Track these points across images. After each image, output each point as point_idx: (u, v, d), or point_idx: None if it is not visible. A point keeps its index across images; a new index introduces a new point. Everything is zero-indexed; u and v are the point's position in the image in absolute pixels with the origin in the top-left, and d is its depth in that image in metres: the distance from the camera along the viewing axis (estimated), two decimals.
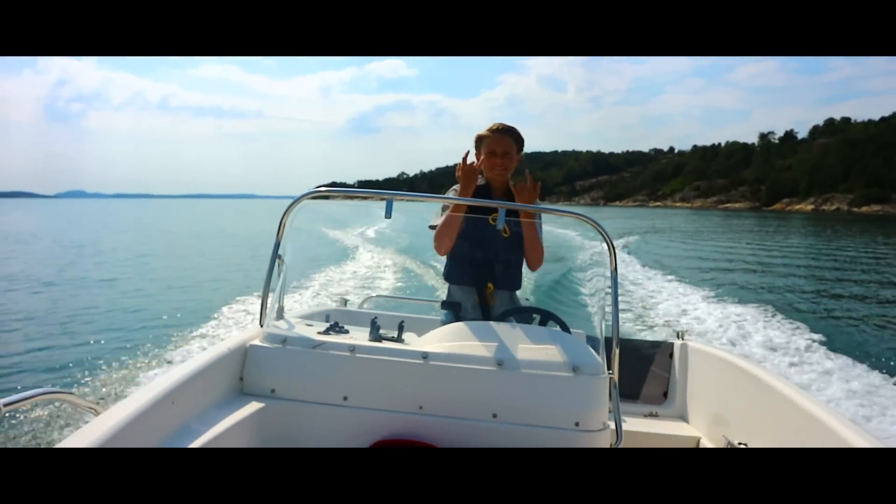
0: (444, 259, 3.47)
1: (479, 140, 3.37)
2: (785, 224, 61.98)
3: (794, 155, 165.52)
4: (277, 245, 2.93)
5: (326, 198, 3.10)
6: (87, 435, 1.84)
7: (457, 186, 3.36)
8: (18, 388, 6.54)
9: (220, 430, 2.33)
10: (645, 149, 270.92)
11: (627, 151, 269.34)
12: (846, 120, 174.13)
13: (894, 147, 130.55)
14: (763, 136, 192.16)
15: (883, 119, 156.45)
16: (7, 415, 1.90)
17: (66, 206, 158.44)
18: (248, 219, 65.95)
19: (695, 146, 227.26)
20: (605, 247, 2.78)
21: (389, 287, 13.70)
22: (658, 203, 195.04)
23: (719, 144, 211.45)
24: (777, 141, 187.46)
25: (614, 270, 2.77)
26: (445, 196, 3.31)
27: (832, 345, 8.63)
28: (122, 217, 71.35)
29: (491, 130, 3.34)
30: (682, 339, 4.18)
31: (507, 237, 3.29)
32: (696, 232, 45.51)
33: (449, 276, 3.43)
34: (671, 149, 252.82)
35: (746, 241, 35.74)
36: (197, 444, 2.20)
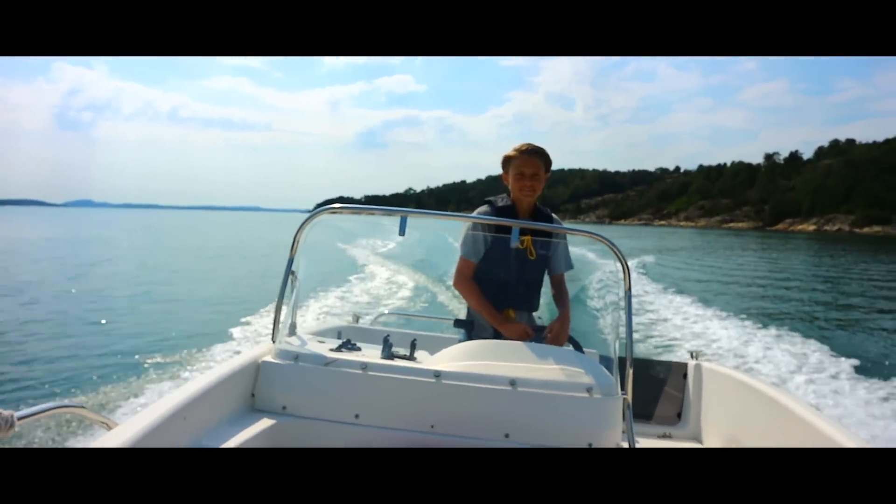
0: None
1: (507, 160, 3.33)
2: (790, 243, 61.83)
3: (798, 176, 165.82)
4: (291, 261, 2.92)
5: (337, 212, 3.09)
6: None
7: (483, 207, 3.37)
8: (29, 401, 6.48)
9: (231, 446, 2.32)
10: (651, 168, 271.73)
11: (633, 170, 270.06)
12: (850, 141, 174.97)
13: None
14: (768, 157, 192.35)
15: (886, 141, 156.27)
16: (19, 429, 1.89)
17: (74, 214, 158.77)
18: (258, 232, 65.74)
19: (700, 166, 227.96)
20: (619, 266, 2.77)
21: (402, 303, 13.60)
22: (663, 222, 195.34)
23: (725, 164, 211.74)
24: (782, 161, 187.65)
25: (628, 290, 2.76)
26: (464, 215, 3.31)
27: (862, 369, 8.39)
28: (130, 227, 71.34)
29: (519, 151, 3.29)
30: (697, 359, 4.12)
31: (533, 259, 3.28)
32: (698, 248, 45.36)
33: None
34: (677, 168, 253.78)
35: (754, 260, 35.66)
36: None
